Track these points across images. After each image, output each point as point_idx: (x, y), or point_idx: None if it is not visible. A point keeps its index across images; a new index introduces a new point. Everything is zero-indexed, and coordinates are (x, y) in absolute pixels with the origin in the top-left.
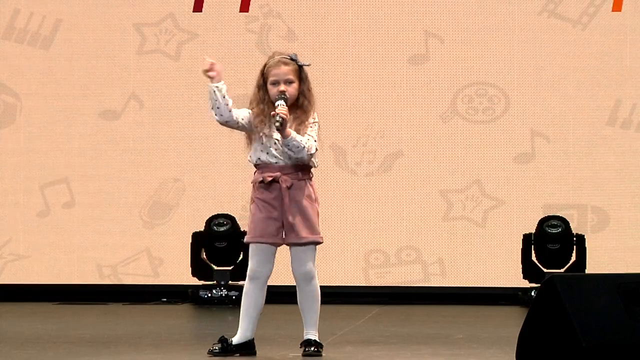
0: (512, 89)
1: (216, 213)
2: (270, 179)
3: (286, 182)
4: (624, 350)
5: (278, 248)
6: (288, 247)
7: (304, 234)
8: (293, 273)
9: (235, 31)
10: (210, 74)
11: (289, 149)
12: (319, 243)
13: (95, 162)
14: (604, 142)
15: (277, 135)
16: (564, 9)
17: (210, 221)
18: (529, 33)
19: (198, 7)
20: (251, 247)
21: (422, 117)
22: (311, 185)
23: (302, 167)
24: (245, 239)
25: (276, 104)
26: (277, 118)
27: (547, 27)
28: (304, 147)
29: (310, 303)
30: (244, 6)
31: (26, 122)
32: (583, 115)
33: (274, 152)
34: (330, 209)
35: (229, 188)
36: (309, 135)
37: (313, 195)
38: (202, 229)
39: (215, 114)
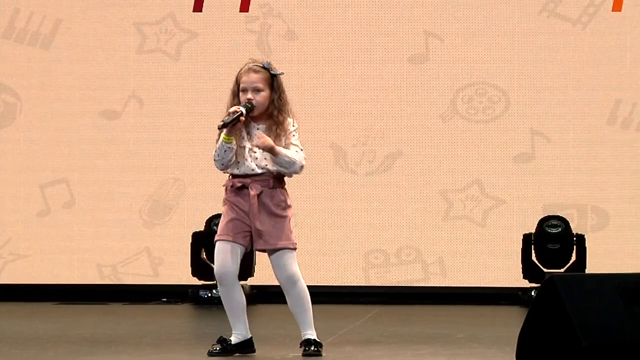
0: (512, 89)
1: (216, 213)
2: (239, 184)
3: (256, 189)
4: (624, 350)
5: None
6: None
7: (272, 240)
8: (277, 279)
9: (235, 31)
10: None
11: (280, 166)
12: (290, 249)
13: (96, 162)
14: (604, 141)
15: (249, 144)
16: (564, 8)
17: (210, 221)
18: (529, 33)
19: (198, 6)
20: (216, 246)
21: (422, 116)
22: (282, 193)
23: (274, 175)
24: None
25: (231, 108)
26: (223, 119)
27: (547, 27)
28: (295, 161)
29: (299, 305)
30: (244, 6)
31: (26, 122)
32: (583, 115)
33: (248, 162)
34: (330, 208)
35: None
36: (294, 146)
37: (284, 203)
38: (202, 228)
39: (219, 164)
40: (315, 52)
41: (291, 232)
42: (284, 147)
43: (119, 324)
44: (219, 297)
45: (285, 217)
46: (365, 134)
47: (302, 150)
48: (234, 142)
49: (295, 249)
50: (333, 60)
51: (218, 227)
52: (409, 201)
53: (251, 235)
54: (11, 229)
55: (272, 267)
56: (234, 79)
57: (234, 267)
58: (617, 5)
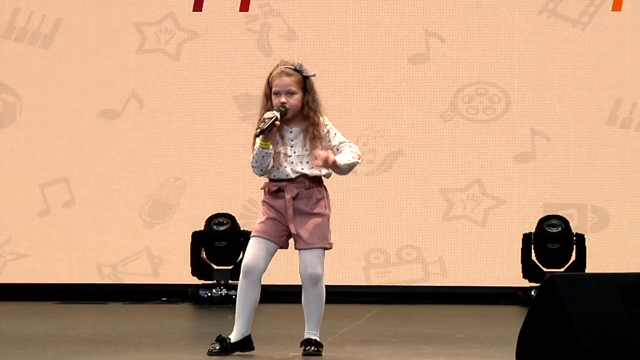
0: (512, 89)
1: (216, 212)
2: (275, 188)
3: (291, 191)
4: (624, 349)
5: (282, 250)
6: (294, 250)
7: (309, 240)
8: (300, 275)
9: (235, 30)
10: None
11: (345, 173)
12: (326, 249)
13: (96, 161)
14: (604, 141)
15: (285, 149)
16: (564, 8)
17: (210, 220)
18: (529, 32)
19: (198, 6)
20: (250, 241)
21: (422, 116)
22: (319, 192)
23: (309, 177)
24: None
25: (266, 114)
26: (258, 126)
27: (548, 27)
28: (356, 161)
29: (314, 305)
30: (244, 5)
31: (26, 122)
32: (583, 115)
33: (283, 167)
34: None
35: (229, 187)
36: (343, 143)
37: (322, 201)
38: (202, 228)
39: (258, 170)
40: (315, 51)
41: (329, 231)
42: (328, 148)
43: (119, 323)
44: (219, 297)
45: (322, 215)
46: (366, 133)
47: (349, 141)
48: (271, 147)
49: (330, 248)
50: (333, 60)
51: (255, 225)
52: (409, 201)
53: (287, 236)
54: (11, 229)
55: (299, 262)
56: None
57: (263, 264)
58: (617, 5)
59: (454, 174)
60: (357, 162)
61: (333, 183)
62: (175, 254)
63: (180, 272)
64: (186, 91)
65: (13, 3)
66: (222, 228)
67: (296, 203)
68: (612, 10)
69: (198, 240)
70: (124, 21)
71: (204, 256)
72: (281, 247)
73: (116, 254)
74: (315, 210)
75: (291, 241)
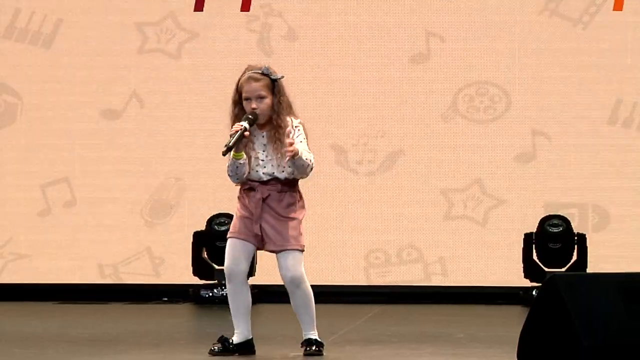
0: (513, 88)
1: (217, 212)
2: (248, 186)
3: (262, 192)
4: (625, 349)
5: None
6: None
7: (279, 242)
8: (282, 279)
9: (236, 30)
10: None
11: (295, 167)
12: (296, 250)
13: (96, 161)
14: (605, 140)
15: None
16: (565, 8)
17: (211, 220)
18: (530, 32)
19: (199, 6)
20: (227, 244)
21: (423, 116)
22: (291, 196)
23: (282, 181)
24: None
25: (234, 127)
26: (226, 143)
27: (548, 26)
28: (308, 165)
29: (303, 306)
30: (245, 5)
31: (27, 121)
32: (584, 114)
33: (254, 171)
34: (330, 208)
35: (229, 187)
36: (304, 150)
37: (294, 206)
38: (203, 228)
39: (235, 179)
40: (315, 51)
41: (300, 234)
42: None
43: (119, 323)
44: (220, 297)
45: (292, 218)
46: (366, 133)
47: (309, 152)
48: (244, 156)
49: (302, 250)
50: (334, 60)
51: (231, 223)
52: (410, 201)
53: (261, 236)
54: (12, 229)
55: (278, 266)
56: (234, 85)
57: (245, 265)
58: (618, 5)
59: (454, 173)
60: (310, 166)
61: (333, 183)
62: (176, 254)
63: (181, 272)
64: (187, 91)
65: (14, 3)
66: (223, 228)
67: (267, 204)
68: (613, 9)
69: (199, 240)
70: (125, 21)
71: (205, 256)
72: (258, 249)
73: (117, 254)
74: (285, 214)
75: None
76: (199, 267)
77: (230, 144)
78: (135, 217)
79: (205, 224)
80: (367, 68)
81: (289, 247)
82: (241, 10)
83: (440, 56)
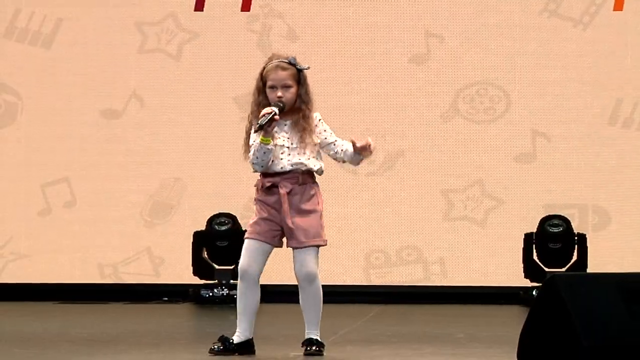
0: (513, 89)
1: (217, 212)
2: (269, 184)
3: (285, 187)
4: (625, 349)
5: (278, 249)
6: (289, 249)
7: (303, 238)
8: (295, 274)
9: (236, 31)
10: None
11: (352, 160)
12: (320, 246)
13: (96, 161)
14: (605, 141)
15: (280, 142)
16: (565, 8)
17: (211, 220)
18: (530, 33)
19: (199, 6)
20: (244, 244)
21: (423, 116)
22: (312, 188)
23: (302, 172)
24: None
25: (265, 109)
26: (258, 121)
27: (548, 27)
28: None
29: (311, 304)
30: (245, 5)
31: (27, 122)
32: (584, 115)
33: (278, 160)
34: (331, 208)
35: (230, 187)
36: (337, 139)
37: (315, 198)
38: (203, 228)
39: (259, 167)
40: (316, 51)
41: (322, 228)
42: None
43: (119, 323)
44: (220, 297)
45: (316, 211)
46: (366, 133)
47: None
48: (272, 142)
49: (324, 245)
50: (334, 60)
51: (248, 225)
52: (410, 201)
53: (281, 234)
54: (12, 229)
55: (293, 262)
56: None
57: (259, 266)
58: (619, 5)
59: (454, 174)
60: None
61: (333, 183)
62: (176, 253)
63: (181, 272)
64: (187, 91)
65: (14, 3)
66: (223, 228)
67: (290, 199)
68: (614, 10)
69: (199, 240)
70: (125, 21)
71: (206, 256)
72: (276, 247)
73: (117, 254)
74: (308, 207)
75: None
76: (199, 267)
77: (264, 122)
78: (135, 216)
79: (205, 224)
80: (367, 68)
81: (312, 244)
82: (241, 11)
83: (440, 57)
